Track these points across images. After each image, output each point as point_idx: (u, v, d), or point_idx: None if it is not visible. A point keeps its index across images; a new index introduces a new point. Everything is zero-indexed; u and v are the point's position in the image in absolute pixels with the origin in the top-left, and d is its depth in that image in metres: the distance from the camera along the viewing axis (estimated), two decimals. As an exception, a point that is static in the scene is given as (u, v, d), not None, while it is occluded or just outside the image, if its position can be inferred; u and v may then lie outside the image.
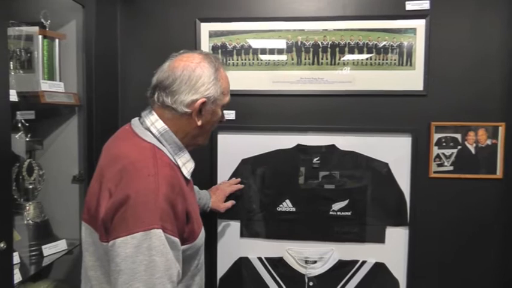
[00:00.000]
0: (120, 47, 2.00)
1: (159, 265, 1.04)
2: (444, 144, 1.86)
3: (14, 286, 1.33)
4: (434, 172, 1.88)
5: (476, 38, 1.85)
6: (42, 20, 1.61)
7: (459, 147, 1.86)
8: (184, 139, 1.29)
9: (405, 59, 1.87)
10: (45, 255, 1.61)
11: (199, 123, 1.27)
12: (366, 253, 1.94)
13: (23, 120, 1.57)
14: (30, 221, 1.62)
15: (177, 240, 1.11)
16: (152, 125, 1.25)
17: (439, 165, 1.87)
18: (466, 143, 1.86)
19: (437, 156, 1.87)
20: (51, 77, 1.65)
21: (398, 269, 1.92)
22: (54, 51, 1.66)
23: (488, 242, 1.89)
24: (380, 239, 1.92)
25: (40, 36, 1.60)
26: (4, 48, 1.26)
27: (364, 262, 1.93)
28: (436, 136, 1.86)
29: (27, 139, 1.61)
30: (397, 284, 1.93)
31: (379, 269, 1.93)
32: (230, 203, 1.90)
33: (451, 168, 1.87)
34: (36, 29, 1.60)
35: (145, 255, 1.03)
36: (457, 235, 1.90)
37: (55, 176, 1.74)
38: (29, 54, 1.60)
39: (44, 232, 1.65)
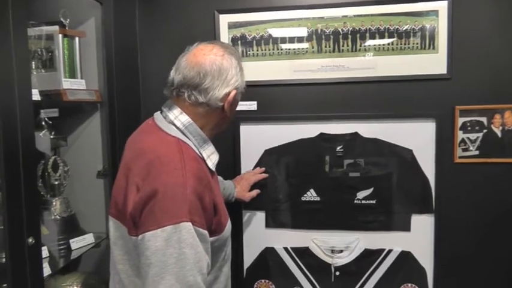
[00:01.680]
0: (140, 42, 2.01)
1: (189, 257, 1.05)
2: (469, 128, 1.81)
3: (43, 279, 1.37)
4: (460, 157, 1.83)
5: (501, 19, 1.79)
6: (62, 19, 1.63)
7: (485, 130, 1.81)
8: (212, 129, 1.31)
9: (428, 42, 1.82)
10: (73, 248, 1.65)
11: (228, 113, 1.29)
12: (392, 242, 1.91)
13: (46, 118, 1.60)
14: (58, 216, 1.66)
15: (205, 232, 1.12)
16: (176, 118, 1.25)
17: (464, 150, 1.83)
18: (492, 126, 1.81)
19: (462, 140, 1.82)
20: (72, 74, 1.67)
21: (425, 257, 1.89)
22: (74, 49, 1.68)
23: (517, 227, 1.85)
24: (406, 227, 1.89)
25: (60, 35, 1.62)
26: (25, 49, 1.28)
27: (390, 251, 1.91)
28: (460, 120, 1.81)
29: (52, 136, 1.64)
30: (424, 272, 1.90)
31: (406, 257, 1.90)
32: (255, 191, 1.90)
33: (477, 152, 1.83)
34: (56, 28, 1.62)
35: (175, 248, 1.04)
36: (485, 221, 1.86)
37: (80, 172, 1.77)
38: (50, 54, 1.63)
39: (71, 226, 1.69)
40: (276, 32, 1.92)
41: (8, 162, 1.21)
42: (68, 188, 1.72)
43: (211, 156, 1.29)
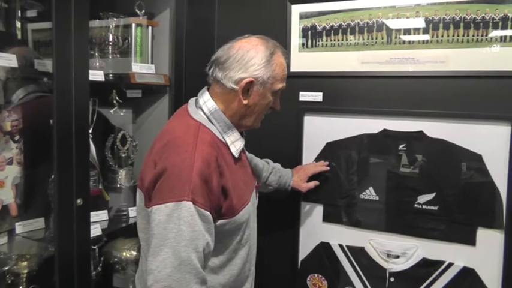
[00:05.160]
0: (217, 31, 2.12)
1: (185, 235, 1.12)
2: (552, 136, 1.53)
3: (90, 238, 1.53)
4: (539, 169, 1.56)
5: None
6: (137, 11, 1.82)
7: None
8: (233, 118, 1.35)
9: (509, 34, 1.59)
10: (130, 216, 1.82)
11: (245, 102, 1.33)
12: (454, 255, 1.72)
13: (117, 97, 1.79)
14: (122, 186, 1.86)
15: (207, 213, 1.18)
16: (204, 104, 1.35)
17: (545, 161, 1.55)
18: None
19: (543, 150, 1.55)
20: (143, 60, 1.85)
21: (492, 278, 1.66)
22: (147, 37, 1.85)
23: None
24: (470, 240, 1.68)
25: (134, 25, 1.80)
26: (86, 39, 1.43)
27: (451, 264, 1.72)
28: (542, 126, 1.54)
29: (122, 114, 1.84)
30: (488, 295, 1.67)
31: (468, 274, 1.69)
32: (313, 183, 1.86)
33: (560, 165, 1.54)
34: (132, 18, 1.81)
35: (175, 223, 1.13)
36: None
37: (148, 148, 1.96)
38: (126, 41, 1.83)
39: (133, 196, 1.86)
40: (346, 23, 1.85)
41: (60, 131, 1.37)
42: (136, 161, 1.92)
43: (235, 143, 1.35)
